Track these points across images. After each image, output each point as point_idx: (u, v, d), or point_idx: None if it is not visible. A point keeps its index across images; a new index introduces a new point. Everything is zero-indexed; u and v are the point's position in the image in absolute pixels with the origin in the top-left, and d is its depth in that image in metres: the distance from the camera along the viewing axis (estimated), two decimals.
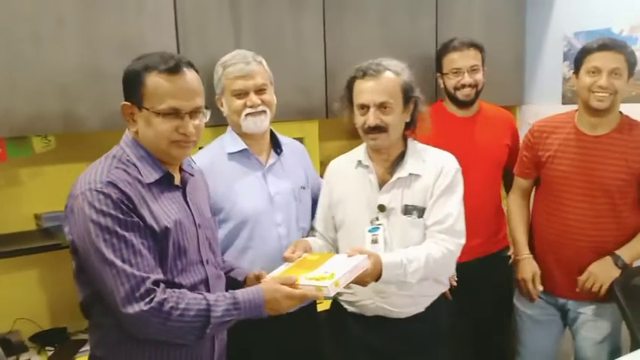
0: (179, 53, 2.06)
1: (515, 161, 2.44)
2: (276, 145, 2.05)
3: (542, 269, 2.31)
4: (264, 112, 1.94)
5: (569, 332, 2.36)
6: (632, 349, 2.00)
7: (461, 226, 1.86)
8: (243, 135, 1.97)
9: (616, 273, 2.12)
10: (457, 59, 2.43)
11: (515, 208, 2.41)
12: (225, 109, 1.99)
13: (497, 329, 2.60)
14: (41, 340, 2.14)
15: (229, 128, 2.02)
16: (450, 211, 1.84)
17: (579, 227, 2.16)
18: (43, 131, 1.97)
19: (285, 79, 2.28)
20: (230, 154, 1.96)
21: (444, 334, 1.97)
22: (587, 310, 2.24)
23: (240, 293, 1.45)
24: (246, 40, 2.20)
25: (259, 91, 1.95)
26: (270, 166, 2.01)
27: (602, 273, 2.13)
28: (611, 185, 2.13)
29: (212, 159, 1.94)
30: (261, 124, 1.95)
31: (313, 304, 2.11)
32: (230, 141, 1.98)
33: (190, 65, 1.46)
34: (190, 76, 1.45)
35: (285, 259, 1.71)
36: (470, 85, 2.42)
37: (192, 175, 1.61)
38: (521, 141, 2.45)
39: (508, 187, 2.55)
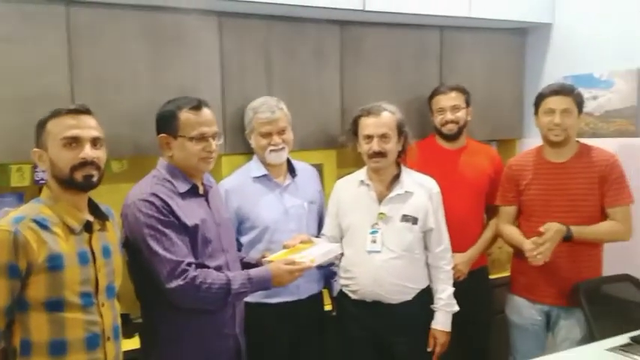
0: (223, 97, 2.63)
1: (496, 191, 2.83)
2: (291, 170, 2.56)
3: (529, 281, 2.66)
4: (284, 148, 2.47)
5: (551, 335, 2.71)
6: None
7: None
8: (266, 163, 2.49)
9: (557, 240, 2.43)
10: (441, 100, 2.89)
11: (507, 227, 2.76)
12: (252, 143, 2.53)
13: (481, 332, 2.95)
14: None
15: (255, 156, 2.55)
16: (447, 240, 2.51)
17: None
18: (119, 155, 2.53)
19: (308, 115, 2.82)
20: (254, 177, 2.49)
21: (428, 320, 2.44)
22: (567, 315, 2.59)
23: (253, 271, 1.96)
24: (277, 86, 2.74)
25: (280, 132, 2.47)
26: (285, 186, 2.52)
27: (552, 238, 2.43)
28: (580, 201, 2.53)
29: (240, 181, 2.49)
30: (280, 158, 2.48)
31: (322, 303, 2.62)
32: (255, 167, 2.51)
33: (206, 104, 2.00)
34: (208, 110, 1.99)
35: (284, 247, 2.22)
36: (452, 122, 2.87)
37: (211, 187, 2.11)
38: None
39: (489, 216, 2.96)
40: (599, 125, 2.99)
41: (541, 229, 2.47)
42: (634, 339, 2.23)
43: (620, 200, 2.52)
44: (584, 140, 2.66)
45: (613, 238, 2.57)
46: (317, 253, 2.11)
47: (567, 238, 2.46)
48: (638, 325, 2.37)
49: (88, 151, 1.68)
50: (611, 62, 2.95)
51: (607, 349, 2.18)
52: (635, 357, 2.09)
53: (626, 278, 2.62)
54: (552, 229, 2.44)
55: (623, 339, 2.25)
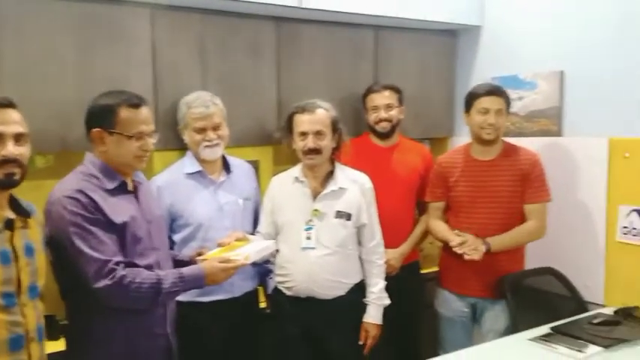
0: (156, 91, 2.57)
1: (427, 187, 2.92)
2: (226, 166, 2.55)
3: (456, 275, 2.76)
4: (218, 144, 2.45)
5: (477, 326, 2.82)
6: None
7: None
8: (201, 159, 2.46)
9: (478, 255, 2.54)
10: (375, 98, 2.96)
11: (436, 222, 2.85)
12: (186, 139, 2.49)
13: (412, 325, 3.05)
14: None
15: (189, 152, 2.52)
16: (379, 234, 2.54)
17: (483, 235, 2.61)
18: (45, 151, 2.45)
19: (244, 111, 2.80)
20: (188, 174, 2.45)
21: (361, 314, 2.48)
22: (492, 307, 2.70)
23: (185, 270, 1.93)
24: (212, 81, 2.71)
25: (215, 127, 2.45)
26: (220, 182, 2.50)
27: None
28: (504, 197, 2.65)
29: (173, 178, 2.45)
30: (215, 153, 2.46)
31: (256, 300, 2.62)
32: (189, 163, 2.48)
33: (145, 101, 1.96)
34: (146, 109, 1.95)
35: (219, 245, 2.20)
36: (385, 120, 2.93)
37: (141, 183, 2.07)
38: None
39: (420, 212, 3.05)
40: (525, 125, 3.13)
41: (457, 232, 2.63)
42: (554, 329, 2.36)
43: (538, 198, 2.65)
44: (509, 139, 2.77)
45: (530, 239, 2.70)
46: (252, 250, 2.11)
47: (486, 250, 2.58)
48: (559, 316, 2.51)
49: (10, 148, 1.60)
50: (536, 64, 3.08)
51: (529, 339, 2.29)
52: (555, 346, 2.21)
53: (548, 271, 2.76)
54: (469, 240, 2.56)
55: (544, 329, 2.37)
